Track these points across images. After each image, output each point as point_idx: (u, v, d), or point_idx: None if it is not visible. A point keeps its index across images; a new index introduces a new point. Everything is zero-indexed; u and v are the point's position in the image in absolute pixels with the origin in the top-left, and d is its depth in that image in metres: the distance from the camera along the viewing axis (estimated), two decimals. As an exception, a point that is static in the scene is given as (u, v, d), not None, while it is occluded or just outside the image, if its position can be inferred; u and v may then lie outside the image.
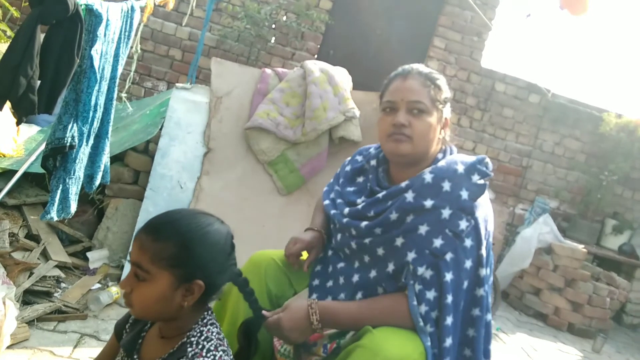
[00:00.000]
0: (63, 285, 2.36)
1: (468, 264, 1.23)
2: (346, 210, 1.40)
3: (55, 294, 2.24)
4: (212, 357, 0.99)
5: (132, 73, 3.11)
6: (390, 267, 1.28)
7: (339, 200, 1.47)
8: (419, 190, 1.26)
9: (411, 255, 1.23)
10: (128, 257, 1.04)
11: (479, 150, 5.02)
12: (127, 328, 1.16)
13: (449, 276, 1.21)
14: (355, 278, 1.35)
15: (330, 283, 1.41)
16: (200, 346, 1.01)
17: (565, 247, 4.27)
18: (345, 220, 1.38)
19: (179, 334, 1.04)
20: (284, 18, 4.62)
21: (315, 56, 4.82)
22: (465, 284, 1.24)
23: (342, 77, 2.88)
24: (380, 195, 1.34)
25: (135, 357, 1.08)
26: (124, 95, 2.87)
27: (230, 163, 2.75)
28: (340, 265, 1.41)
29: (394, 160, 1.38)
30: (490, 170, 1.31)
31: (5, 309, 1.75)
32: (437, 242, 1.22)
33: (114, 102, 2.15)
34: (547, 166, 5.21)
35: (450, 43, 4.97)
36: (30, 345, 1.87)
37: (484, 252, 1.26)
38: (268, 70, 2.91)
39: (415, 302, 1.20)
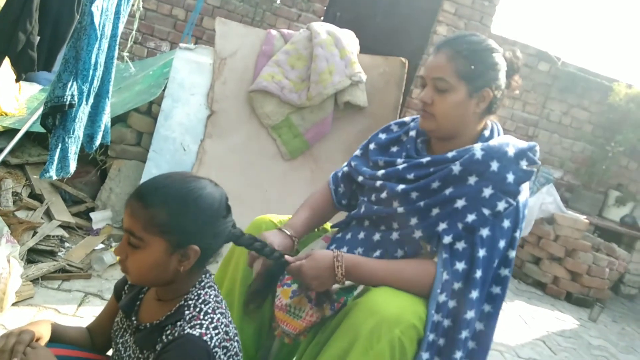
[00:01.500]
0: (67, 244, 2.38)
1: (502, 243, 1.24)
2: (380, 172, 1.35)
3: (59, 253, 2.26)
4: (209, 319, 0.99)
5: (134, 32, 3.05)
6: (418, 233, 1.27)
7: (364, 169, 1.41)
8: (466, 165, 1.24)
9: (442, 226, 1.23)
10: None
11: (485, 119, 4.96)
12: (126, 289, 1.16)
13: (482, 252, 1.21)
14: (377, 237, 1.34)
15: (344, 249, 1.38)
16: (197, 309, 1.01)
17: (567, 218, 4.27)
18: (379, 182, 1.33)
19: (176, 297, 1.04)
20: (290, -22, 4.50)
21: (322, 18, 4.71)
22: (496, 262, 1.24)
23: (349, 40, 2.81)
24: (424, 160, 1.31)
25: (133, 318, 1.09)
26: (126, 54, 2.82)
27: (233, 126, 2.72)
28: (361, 235, 1.38)
29: (426, 135, 1.38)
30: (538, 158, 1.29)
31: (9, 267, 1.76)
32: (470, 218, 1.21)
33: (115, 61, 2.11)
34: (553, 136, 5.16)
35: (460, 7, 4.85)
36: (35, 302, 1.89)
37: (517, 234, 1.27)
38: (273, 32, 2.84)
39: (442, 269, 1.21)
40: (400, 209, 1.28)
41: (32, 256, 2.15)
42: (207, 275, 1.09)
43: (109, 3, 1.90)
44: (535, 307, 3.78)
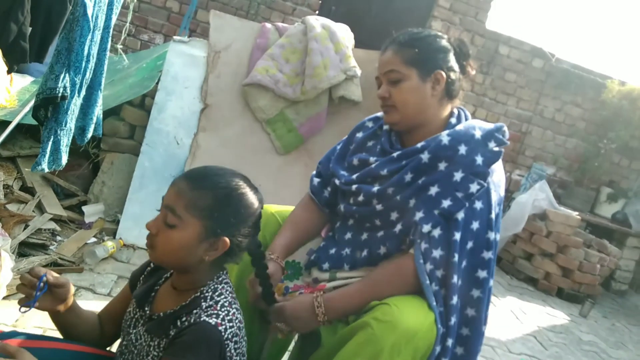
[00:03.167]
0: (58, 238, 2.36)
1: (475, 225, 1.24)
2: (355, 175, 1.37)
3: (51, 247, 2.24)
4: (225, 311, 1.00)
5: (127, 24, 3.02)
6: (398, 227, 1.28)
7: (340, 172, 1.42)
8: (434, 152, 1.26)
9: (419, 215, 1.24)
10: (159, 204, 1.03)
11: (479, 115, 4.97)
12: (141, 280, 1.16)
13: (457, 235, 1.22)
14: (364, 236, 1.35)
15: (332, 251, 1.39)
16: (214, 300, 1.02)
17: (559, 214, 4.29)
18: (354, 186, 1.35)
19: (192, 289, 1.05)
20: (285, -29, 4.47)
21: (317, 12, 4.69)
22: (470, 244, 1.25)
23: (344, 34, 2.80)
24: (395, 154, 1.32)
25: (146, 308, 1.09)
26: (119, 47, 2.79)
27: (227, 120, 2.70)
28: (348, 236, 1.38)
29: (393, 128, 1.39)
30: (507, 138, 1.31)
31: (1, 261, 1.75)
32: (446, 203, 1.22)
33: (108, 53, 2.08)
34: (546, 132, 5.18)
35: (455, 2, 4.84)
36: (26, 296, 1.88)
37: (493, 216, 1.27)
38: (268, 25, 2.82)
39: (421, 261, 1.21)
40: (379, 207, 1.30)
41: (23, 249, 2.13)
42: (224, 272, 1.10)
43: (102, -6, 1.88)
44: (527, 302, 3.80)
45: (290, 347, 1.52)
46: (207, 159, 2.61)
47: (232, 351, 0.99)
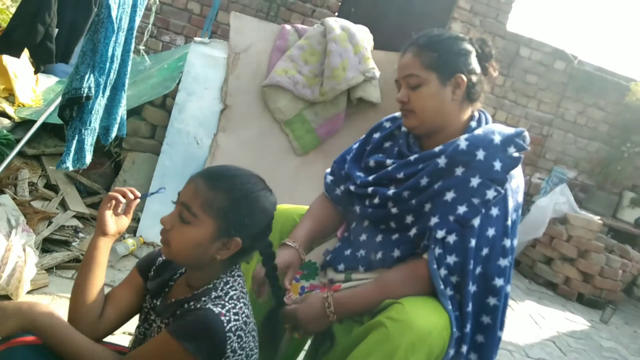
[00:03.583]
0: (81, 235, 2.41)
1: (491, 232, 1.22)
2: (371, 177, 1.36)
3: (73, 243, 2.29)
4: (232, 304, 1.01)
5: (150, 26, 3.07)
6: (413, 231, 1.27)
7: (356, 173, 1.42)
8: (452, 156, 1.24)
9: (434, 220, 1.22)
10: (175, 197, 1.06)
11: (499, 117, 4.93)
12: (153, 271, 1.17)
13: (473, 242, 1.21)
14: (379, 238, 1.34)
15: (348, 252, 1.39)
16: (224, 292, 1.03)
17: (580, 218, 4.23)
18: (370, 189, 1.34)
19: (206, 285, 1.07)
20: (305, -27, 4.49)
21: (336, 14, 4.69)
22: (485, 251, 1.23)
23: (363, 35, 2.80)
24: (412, 157, 1.31)
25: (158, 301, 1.12)
26: (142, 48, 2.84)
27: (246, 121, 2.73)
28: (363, 237, 1.38)
29: (412, 132, 1.38)
30: (528, 144, 1.28)
31: (25, 256, 1.79)
32: (461, 209, 1.21)
33: (131, 54, 2.12)
34: (567, 135, 5.10)
35: (476, 4, 4.80)
36: (49, 291, 1.92)
37: (510, 222, 1.25)
38: (287, 27, 2.84)
39: (435, 266, 1.20)
40: (394, 210, 1.29)
41: (47, 245, 2.18)
42: (237, 266, 1.11)
43: (126, -4, 1.92)
44: (546, 307, 3.75)
45: (306, 347, 1.53)
46: (227, 159, 2.64)
47: (235, 345, 0.98)
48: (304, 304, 1.26)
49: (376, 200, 1.33)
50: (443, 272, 1.20)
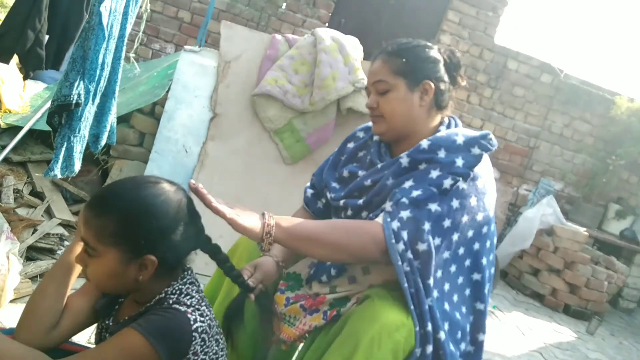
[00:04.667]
0: (66, 243, 2.38)
1: (447, 223, 1.20)
2: (344, 191, 1.38)
3: (59, 252, 2.26)
4: (196, 307, 0.97)
5: (140, 33, 3.06)
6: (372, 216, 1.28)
7: (332, 184, 1.43)
8: (414, 155, 1.26)
9: (388, 204, 1.22)
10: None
11: (486, 129, 4.97)
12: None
13: (428, 224, 1.18)
14: None
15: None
16: (182, 296, 0.99)
17: (566, 230, 4.27)
18: (342, 202, 1.37)
19: (153, 298, 1.01)
20: (296, -17, 4.52)
21: (327, 24, 4.73)
22: (437, 241, 1.20)
23: (353, 46, 2.82)
24: (379, 165, 1.34)
25: (109, 321, 1.07)
26: (132, 55, 2.83)
27: (236, 129, 2.73)
28: None
29: (382, 139, 1.39)
30: (493, 145, 1.27)
31: (8, 264, 1.76)
32: (415, 193, 1.20)
33: (122, 62, 2.12)
34: (554, 148, 5.17)
35: (464, 17, 4.87)
36: (33, 300, 1.89)
37: (466, 219, 1.23)
38: (278, 36, 2.85)
39: (393, 240, 1.16)
40: (371, 216, 1.29)
41: (31, 254, 2.15)
42: (189, 272, 1.06)
43: (118, 4, 1.91)
44: (533, 318, 3.77)
45: (294, 359, 1.52)
46: (215, 168, 2.63)
47: (197, 347, 0.94)
48: (244, 216, 1.12)
49: (349, 212, 1.35)
50: (401, 247, 1.16)
